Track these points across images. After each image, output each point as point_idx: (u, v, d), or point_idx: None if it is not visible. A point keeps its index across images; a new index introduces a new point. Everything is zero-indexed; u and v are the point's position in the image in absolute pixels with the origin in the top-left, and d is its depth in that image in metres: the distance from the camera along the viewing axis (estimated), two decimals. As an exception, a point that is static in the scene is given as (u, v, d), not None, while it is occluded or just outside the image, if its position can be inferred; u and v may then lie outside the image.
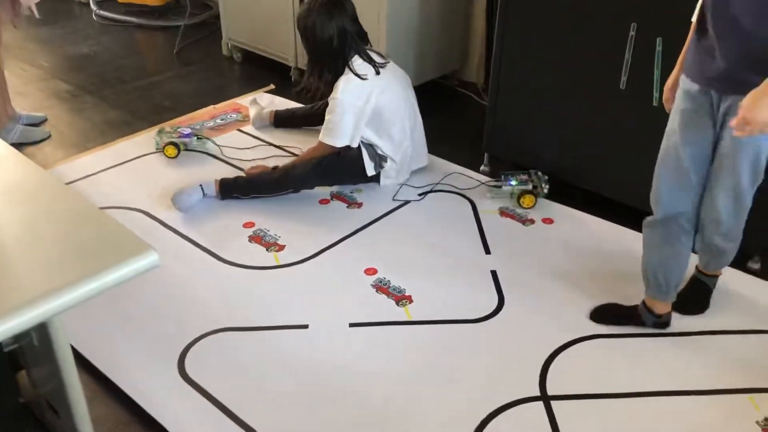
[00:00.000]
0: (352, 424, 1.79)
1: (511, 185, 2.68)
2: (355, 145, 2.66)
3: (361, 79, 2.58)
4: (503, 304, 2.19)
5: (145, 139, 3.11)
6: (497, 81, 2.77)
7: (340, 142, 2.63)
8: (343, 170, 2.71)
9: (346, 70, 2.60)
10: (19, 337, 1.48)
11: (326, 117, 2.64)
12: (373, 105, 2.61)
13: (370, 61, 2.63)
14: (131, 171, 2.89)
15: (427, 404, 1.85)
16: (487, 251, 2.43)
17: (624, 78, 2.39)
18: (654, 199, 1.93)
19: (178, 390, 1.88)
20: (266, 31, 3.74)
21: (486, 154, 2.96)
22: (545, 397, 1.87)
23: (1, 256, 1.21)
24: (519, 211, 2.64)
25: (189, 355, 1.99)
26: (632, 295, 2.20)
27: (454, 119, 3.45)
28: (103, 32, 4.58)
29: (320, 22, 2.54)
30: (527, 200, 2.65)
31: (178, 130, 3.07)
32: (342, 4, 2.58)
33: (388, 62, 2.70)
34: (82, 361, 1.95)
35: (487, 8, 3.46)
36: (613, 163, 2.56)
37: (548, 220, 2.59)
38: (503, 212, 2.64)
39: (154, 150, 3.00)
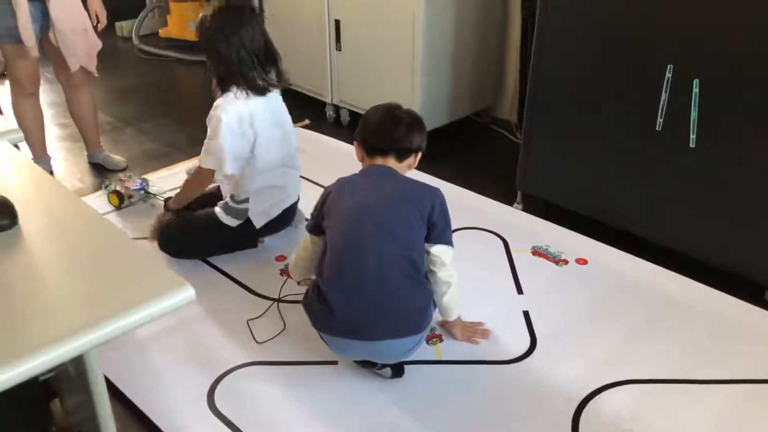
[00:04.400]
0: (380, 464, 1.77)
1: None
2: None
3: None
4: (535, 345, 2.16)
5: (179, 171, 3.16)
6: (531, 119, 2.78)
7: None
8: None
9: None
10: (56, 366, 1.50)
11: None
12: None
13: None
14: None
15: (457, 446, 1.82)
16: (520, 291, 2.40)
17: (660, 120, 2.38)
18: None
19: (208, 423, 1.88)
20: (302, 67, 3.80)
21: (519, 192, 2.95)
22: (578, 443, 1.83)
23: (40, 286, 1.23)
24: (552, 250, 2.61)
25: (219, 388, 1.99)
26: (663, 336, 2.16)
27: (487, 156, 3.45)
28: (145, 66, 4.71)
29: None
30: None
31: (132, 179, 2.94)
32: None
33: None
34: (114, 391, 1.97)
35: (521, 46, 3.48)
36: (649, 204, 2.53)
37: (582, 261, 2.56)
38: (536, 251, 2.62)
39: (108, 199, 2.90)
